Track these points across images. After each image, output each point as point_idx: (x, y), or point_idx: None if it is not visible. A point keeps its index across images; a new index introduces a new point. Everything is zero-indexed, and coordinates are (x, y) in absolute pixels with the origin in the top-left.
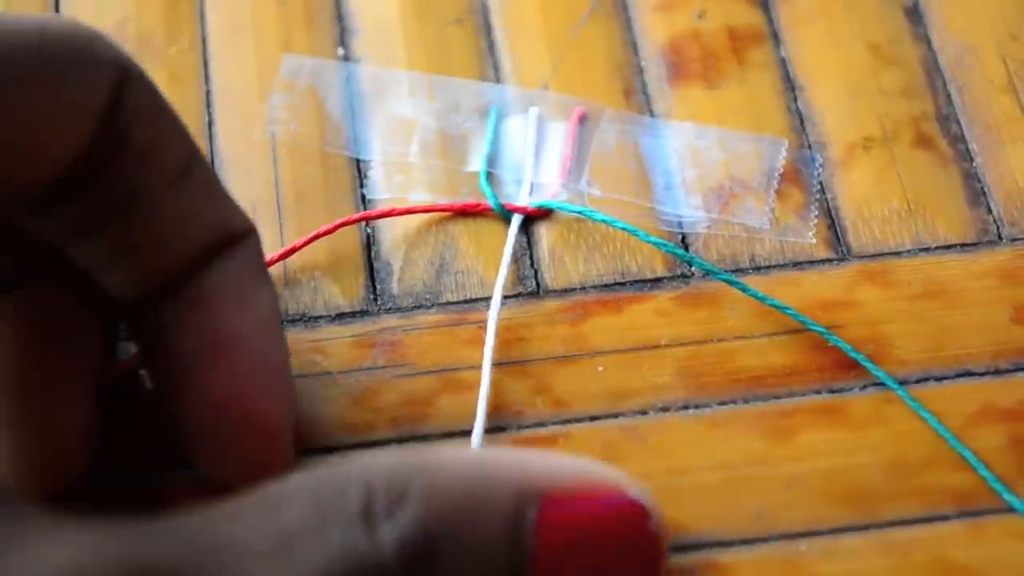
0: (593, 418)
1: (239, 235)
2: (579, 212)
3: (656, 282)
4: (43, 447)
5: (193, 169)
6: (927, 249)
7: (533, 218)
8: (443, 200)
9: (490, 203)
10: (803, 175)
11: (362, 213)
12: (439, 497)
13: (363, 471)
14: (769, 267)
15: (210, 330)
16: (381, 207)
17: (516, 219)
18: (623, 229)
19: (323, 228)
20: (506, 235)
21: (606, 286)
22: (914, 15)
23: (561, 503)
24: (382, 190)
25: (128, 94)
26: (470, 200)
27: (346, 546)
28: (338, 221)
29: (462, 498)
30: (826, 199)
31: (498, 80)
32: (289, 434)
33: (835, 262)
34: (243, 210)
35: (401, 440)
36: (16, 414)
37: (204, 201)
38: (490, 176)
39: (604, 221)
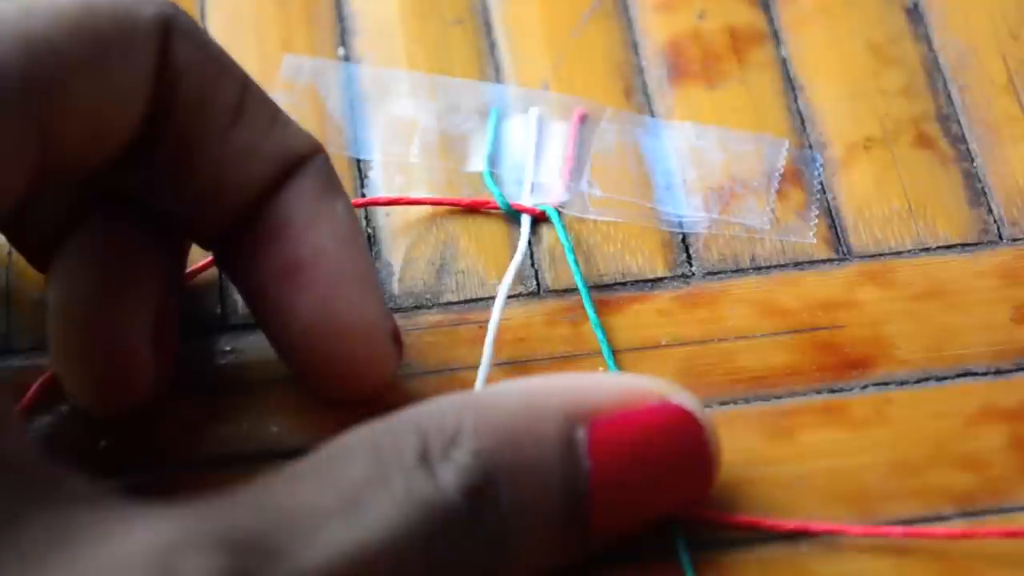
0: None
1: (305, 158)
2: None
3: (657, 282)
4: (113, 369)
5: (247, 105)
6: (928, 249)
7: (537, 219)
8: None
9: (497, 203)
10: (804, 175)
11: (368, 198)
12: (490, 430)
13: (414, 418)
14: (770, 267)
15: (287, 254)
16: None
17: (526, 220)
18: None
19: None
20: (507, 235)
21: (606, 286)
22: (914, 15)
23: (609, 419)
24: (383, 190)
25: (173, 51)
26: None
27: (411, 493)
28: None
29: (512, 428)
30: (827, 199)
31: (498, 80)
32: (388, 337)
33: (836, 262)
34: (306, 132)
35: None
36: (87, 343)
37: (262, 136)
38: (492, 176)
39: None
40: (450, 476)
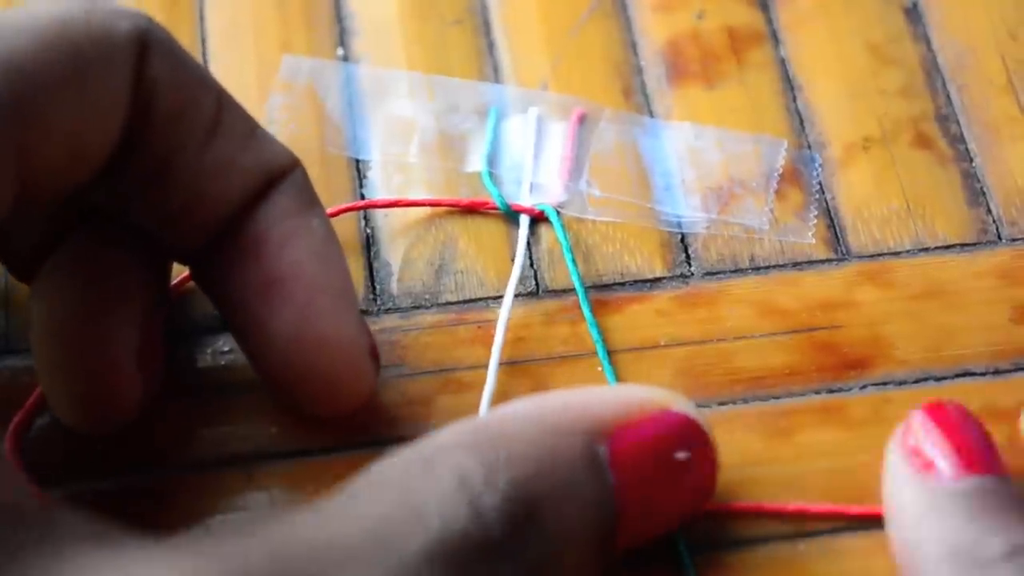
0: None
1: (283, 172)
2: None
3: (656, 282)
4: (97, 387)
5: (223, 119)
6: (927, 249)
7: (536, 219)
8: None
9: (496, 203)
10: (802, 175)
11: (367, 201)
12: (522, 458)
13: (447, 446)
14: (768, 267)
15: (264, 270)
16: None
17: (525, 220)
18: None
19: (328, 210)
20: (506, 235)
21: (606, 286)
22: (914, 15)
23: (624, 433)
24: (382, 190)
25: (149, 64)
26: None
27: (447, 525)
28: (343, 206)
29: (542, 453)
30: (825, 199)
31: (498, 80)
32: (365, 351)
33: (834, 262)
34: (283, 145)
35: (402, 440)
36: (71, 360)
37: (239, 150)
38: (491, 176)
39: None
40: (493, 506)
